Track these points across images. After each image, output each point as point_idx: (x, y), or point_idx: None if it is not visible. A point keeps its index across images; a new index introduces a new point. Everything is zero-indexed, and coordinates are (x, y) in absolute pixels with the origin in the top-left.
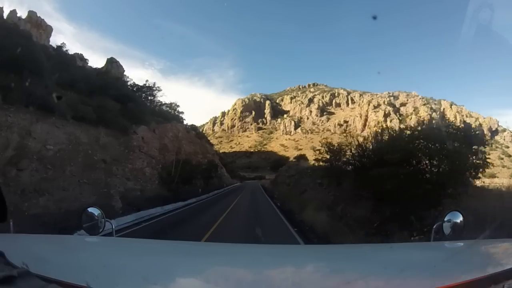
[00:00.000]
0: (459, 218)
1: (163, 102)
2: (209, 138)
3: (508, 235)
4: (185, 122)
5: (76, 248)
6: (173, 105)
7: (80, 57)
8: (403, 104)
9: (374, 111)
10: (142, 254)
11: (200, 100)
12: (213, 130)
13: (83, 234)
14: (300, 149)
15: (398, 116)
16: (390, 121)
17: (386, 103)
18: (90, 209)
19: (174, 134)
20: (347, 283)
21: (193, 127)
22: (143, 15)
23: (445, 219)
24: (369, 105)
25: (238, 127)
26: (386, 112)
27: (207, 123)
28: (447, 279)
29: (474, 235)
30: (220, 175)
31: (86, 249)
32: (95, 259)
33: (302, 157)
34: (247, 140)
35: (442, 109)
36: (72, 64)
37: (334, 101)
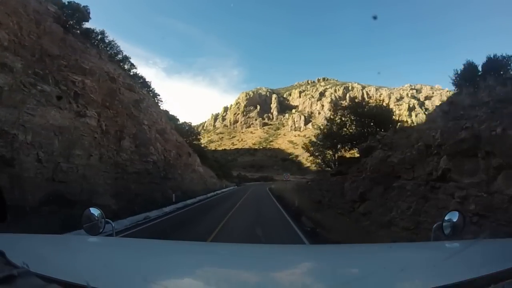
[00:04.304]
0: (459, 218)
1: None
2: (209, 134)
3: None
4: None
5: (76, 248)
6: None
7: None
8: (428, 98)
9: (396, 105)
10: (142, 254)
11: (204, 99)
12: (214, 126)
13: (82, 234)
14: None
15: (424, 110)
16: (416, 115)
17: (409, 95)
18: (90, 209)
19: None
20: (347, 283)
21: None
22: (145, 12)
23: (445, 219)
24: (390, 98)
25: (241, 122)
26: (411, 106)
27: (208, 119)
28: (447, 278)
29: None
30: (163, 167)
31: (86, 249)
32: (95, 259)
33: None
34: (251, 137)
35: None
36: None
37: (348, 95)
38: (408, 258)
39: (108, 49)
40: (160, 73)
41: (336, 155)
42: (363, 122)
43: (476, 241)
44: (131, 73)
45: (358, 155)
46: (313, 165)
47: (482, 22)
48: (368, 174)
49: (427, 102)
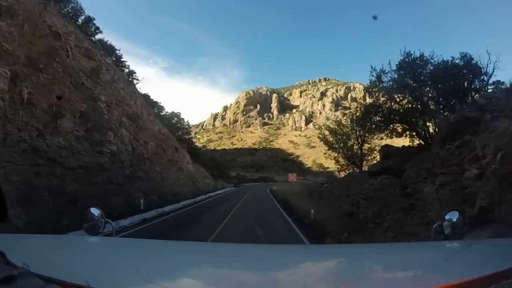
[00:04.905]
0: (459, 218)
1: None
2: (208, 134)
3: None
4: None
5: (76, 248)
6: None
7: None
8: None
9: None
10: (142, 254)
11: (204, 100)
12: (213, 125)
13: (82, 234)
14: (314, 147)
15: None
16: None
17: None
18: (90, 209)
19: None
20: (347, 283)
21: None
22: (145, 12)
23: (445, 219)
24: None
25: (241, 122)
26: None
27: (207, 118)
28: (447, 278)
29: None
30: (130, 162)
31: (86, 249)
32: (95, 259)
33: None
34: (250, 136)
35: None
36: None
37: (349, 95)
38: (408, 258)
39: (69, 8)
40: (161, 73)
41: (362, 147)
42: (426, 88)
43: (476, 241)
44: (94, 39)
45: (408, 143)
46: (315, 166)
47: (482, 24)
48: (494, 168)
49: None
